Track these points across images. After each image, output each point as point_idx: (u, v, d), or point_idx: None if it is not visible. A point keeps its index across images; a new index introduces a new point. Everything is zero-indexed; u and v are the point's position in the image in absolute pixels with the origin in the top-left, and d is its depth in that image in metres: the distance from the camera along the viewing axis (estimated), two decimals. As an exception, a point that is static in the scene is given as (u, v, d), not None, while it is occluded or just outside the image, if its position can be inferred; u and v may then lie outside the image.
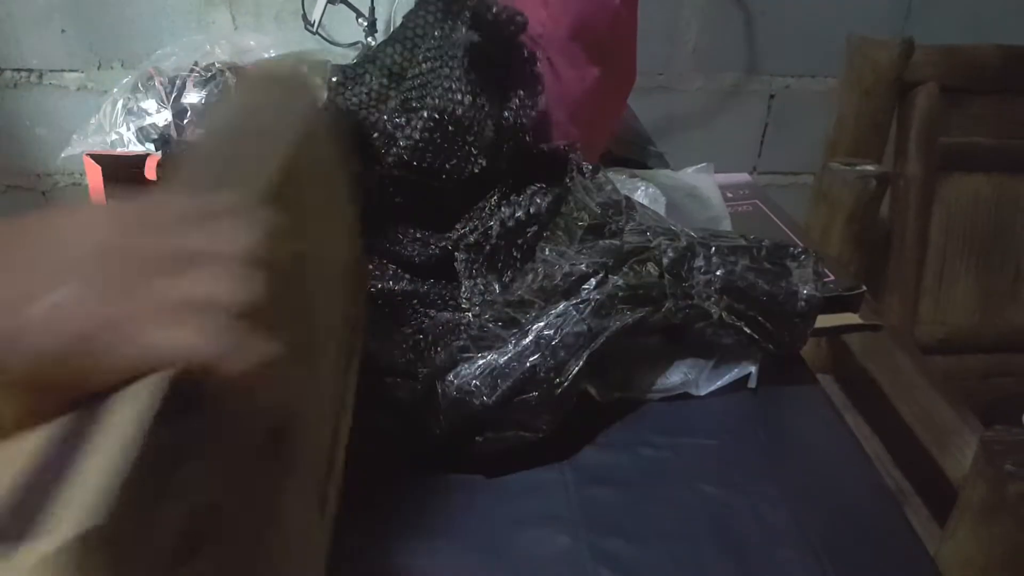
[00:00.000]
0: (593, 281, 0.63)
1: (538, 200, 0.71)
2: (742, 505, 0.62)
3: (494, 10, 0.72)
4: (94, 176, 0.89)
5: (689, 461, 0.65)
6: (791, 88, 1.65)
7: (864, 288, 0.84)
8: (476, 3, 0.73)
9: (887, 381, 1.16)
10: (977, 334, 1.42)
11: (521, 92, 0.74)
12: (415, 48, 0.75)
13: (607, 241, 0.66)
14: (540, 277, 0.65)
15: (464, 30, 0.72)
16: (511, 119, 0.72)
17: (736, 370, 0.71)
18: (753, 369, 0.71)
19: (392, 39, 0.78)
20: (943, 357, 1.42)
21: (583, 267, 0.63)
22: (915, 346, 1.36)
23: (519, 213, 0.69)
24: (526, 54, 0.74)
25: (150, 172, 0.87)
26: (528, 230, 0.69)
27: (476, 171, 0.73)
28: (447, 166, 0.74)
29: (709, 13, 1.56)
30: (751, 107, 1.67)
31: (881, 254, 1.40)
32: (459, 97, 0.71)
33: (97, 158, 0.89)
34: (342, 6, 1.25)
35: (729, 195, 0.99)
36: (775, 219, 0.95)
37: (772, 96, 1.66)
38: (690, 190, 0.87)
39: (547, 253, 0.66)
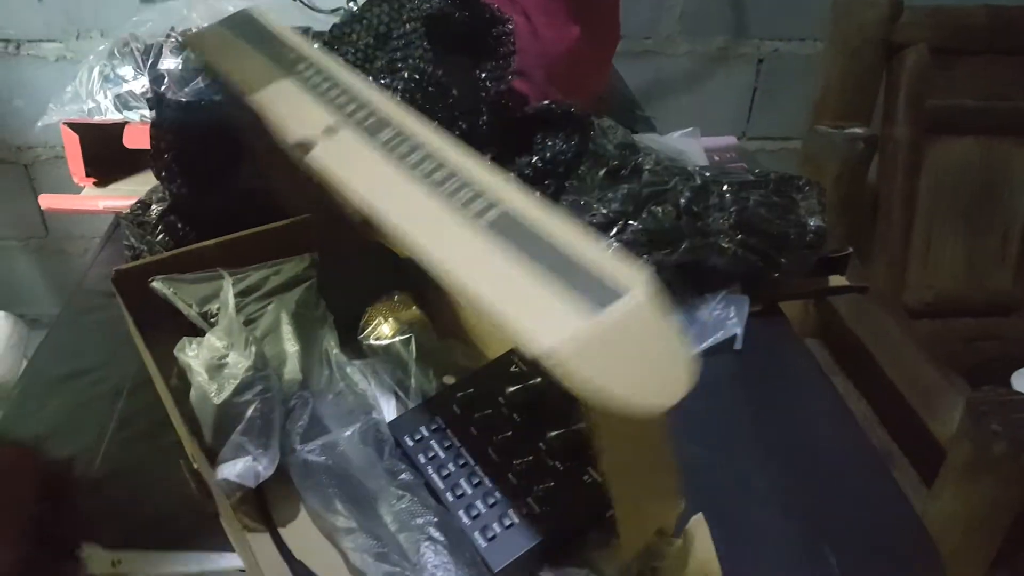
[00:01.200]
0: (615, 228, 0.63)
1: (559, 148, 0.70)
2: (726, 465, 0.62)
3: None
4: (72, 144, 0.88)
5: (673, 422, 0.65)
6: (780, 52, 1.64)
7: (851, 250, 0.84)
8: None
9: (874, 344, 1.16)
10: (964, 298, 1.43)
11: (492, 62, 0.73)
12: (400, 7, 0.74)
13: (626, 186, 0.66)
14: None
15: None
16: (487, 84, 0.72)
17: (721, 332, 0.71)
18: (739, 331, 0.71)
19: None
20: (930, 321, 1.43)
21: (604, 214, 0.63)
22: (902, 309, 1.36)
23: (536, 160, 0.69)
24: (494, 16, 0.72)
25: (128, 140, 0.86)
26: (546, 181, 0.69)
27: (458, 134, 0.73)
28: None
29: (696, -25, 1.54)
30: (739, 72, 1.66)
31: (868, 218, 1.40)
32: (432, 62, 0.70)
33: (74, 127, 0.88)
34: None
35: (716, 159, 0.99)
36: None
37: (760, 61, 1.65)
38: (676, 154, 0.86)
39: (569, 205, 0.66)
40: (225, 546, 0.53)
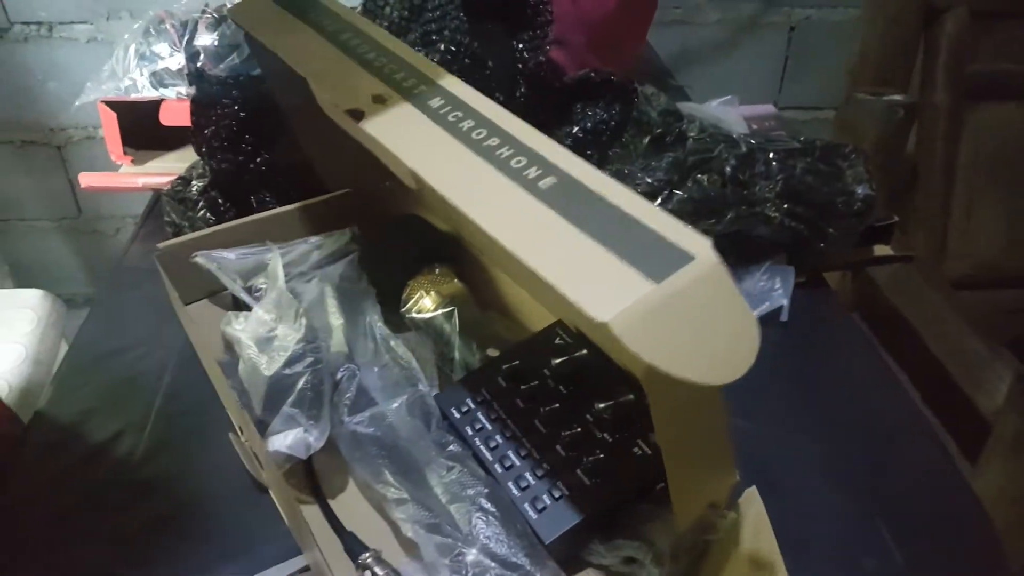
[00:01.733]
0: (659, 198, 0.62)
1: (599, 117, 0.69)
2: (775, 438, 0.61)
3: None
4: (109, 123, 0.88)
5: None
6: (811, 19, 1.60)
7: (896, 219, 0.82)
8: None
9: (916, 316, 1.14)
10: (1006, 268, 1.40)
11: (529, 31, 0.72)
12: (436, -23, 0.73)
13: (670, 155, 0.65)
14: None
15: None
16: (524, 55, 0.71)
17: (767, 304, 0.70)
18: (785, 302, 0.70)
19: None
20: (971, 292, 1.40)
21: (648, 183, 0.63)
22: (944, 280, 1.34)
23: (576, 130, 0.68)
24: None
25: (165, 117, 0.86)
26: (588, 151, 0.68)
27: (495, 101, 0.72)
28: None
29: (727, -59, 1.51)
30: (771, 40, 1.63)
31: (907, 187, 1.37)
32: (468, 33, 0.69)
33: (112, 105, 0.88)
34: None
35: (754, 127, 0.97)
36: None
37: (792, 28, 1.61)
38: (715, 122, 0.85)
39: (612, 174, 0.66)
40: (271, 523, 0.53)
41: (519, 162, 0.41)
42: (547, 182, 0.39)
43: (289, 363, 0.50)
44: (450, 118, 0.45)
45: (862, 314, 1.31)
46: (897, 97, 1.20)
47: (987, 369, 0.95)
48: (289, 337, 0.51)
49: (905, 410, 0.66)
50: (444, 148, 0.43)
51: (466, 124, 0.44)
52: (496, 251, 0.38)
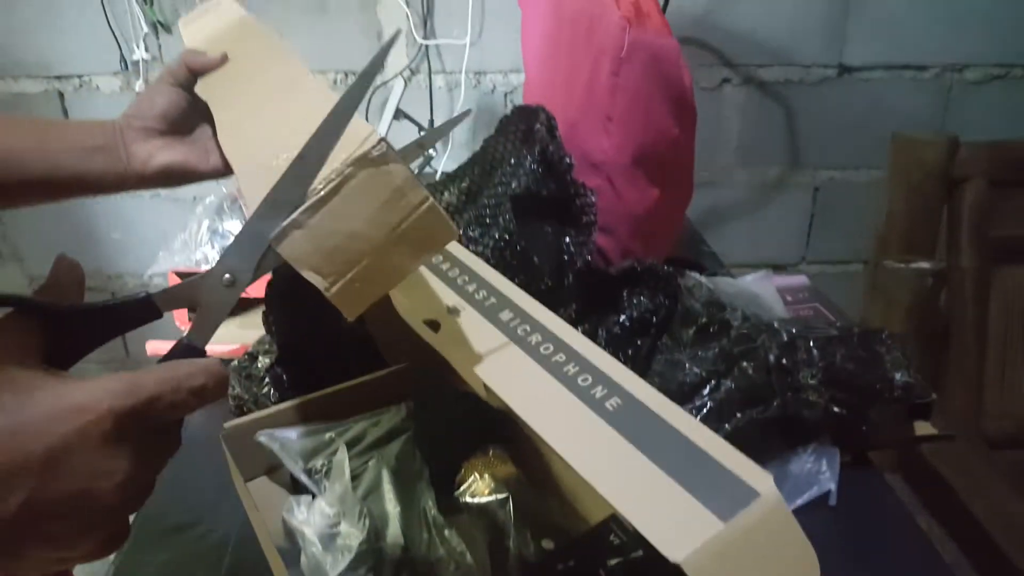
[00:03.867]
0: (707, 387, 0.65)
1: (645, 306, 0.72)
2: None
3: (550, 148, 0.76)
4: (177, 293, 0.93)
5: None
6: (835, 180, 1.67)
7: (934, 397, 0.84)
8: (543, 137, 0.77)
9: (958, 481, 1.13)
10: (1045, 427, 1.39)
11: (575, 229, 0.77)
12: (492, 171, 0.79)
13: (715, 344, 0.68)
14: (655, 387, 0.67)
15: (530, 163, 0.76)
16: (571, 250, 0.75)
17: (816, 487, 0.70)
18: (832, 486, 0.71)
19: (472, 161, 0.83)
20: (1012, 451, 1.38)
21: (697, 373, 0.65)
22: (983, 441, 1.33)
23: (623, 319, 0.71)
24: (577, 191, 0.77)
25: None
26: (639, 340, 0.71)
27: (544, 288, 0.76)
28: (517, 280, 0.77)
29: (750, 111, 1.60)
30: (796, 199, 1.70)
31: (941, 346, 1.38)
32: (516, 232, 0.74)
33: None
34: (405, 120, 1.31)
35: (788, 298, 1.00)
36: (836, 322, 0.96)
37: (817, 189, 1.68)
38: (752, 298, 0.88)
39: (662, 364, 0.69)
40: None
41: (585, 380, 0.44)
42: (613, 403, 0.42)
43: (353, 566, 0.52)
44: (519, 332, 0.48)
45: (906, 478, 1.30)
46: (925, 265, 1.24)
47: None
48: (353, 537, 0.53)
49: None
50: (514, 362, 0.46)
51: (534, 338, 0.47)
52: (559, 463, 0.40)
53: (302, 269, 0.42)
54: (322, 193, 0.40)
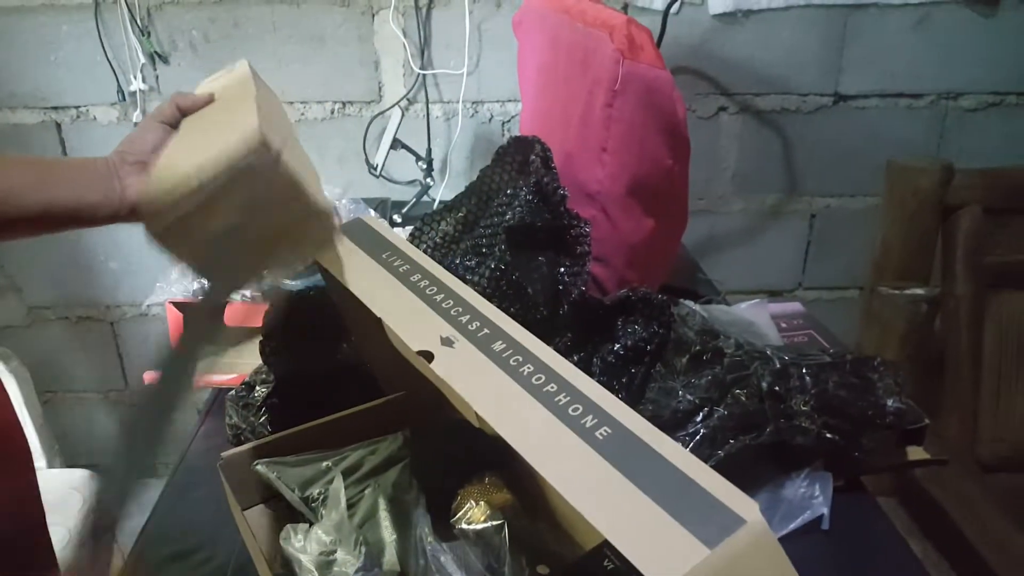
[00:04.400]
0: (700, 414, 0.65)
1: (639, 334, 0.73)
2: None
3: (545, 179, 0.77)
4: (175, 322, 0.95)
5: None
6: (832, 207, 1.69)
7: (927, 422, 0.84)
8: (538, 168, 0.78)
9: (952, 505, 1.14)
10: (1039, 451, 1.39)
11: (569, 259, 0.78)
12: (488, 201, 0.81)
13: (708, 372, 0.69)
14: (649, 414, 0.68)
15: (525, 194, 0.77)
16: (565, 280, 0.76)
17: (808, 512, 0.71)
18: (825, 511, 0.71)
19: (469, 191, 0.84)
20: (1007, 475, 1.39)
21: (690, 400, 0.66)
22: (977, 466, 1.33)
23: (617, 347, 0.72)
24: (571, 222, 0.78)
25: (229, 318, 0.92)
26: (632, 368, 0.72)
27: (539, 318, 0.77)
28: (512, 310, 0.78)
29: (746, 139, 1.61)
30: (793, 226, 1.71)
31: (936, 371, 1.39)
32: (510, 263, 0.75)
33: (179, 305, 0.95)
34: (402, 150, 1.33)
35: (783, 325, 1.01)
36: (830, 348, 0.97)
37: (813, 216, 1.70)
38: (747, 326, 0.89)
39: (655, 391, 0.69)
40: None
41: (576, 409, 0.44)
42: (603, 432, 0.42)
43: (350, 592, 0.52)
44: (511, 362, 0.49)
45: (900, 502, 1.30)
46: (920, 291, 1.26)
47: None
48: (349, 564, 0.53)
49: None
50: (506, 392, 0.47)
51: (526, 369, 0.48)
52: (553, 489, 0.41)
53: None
54: None
